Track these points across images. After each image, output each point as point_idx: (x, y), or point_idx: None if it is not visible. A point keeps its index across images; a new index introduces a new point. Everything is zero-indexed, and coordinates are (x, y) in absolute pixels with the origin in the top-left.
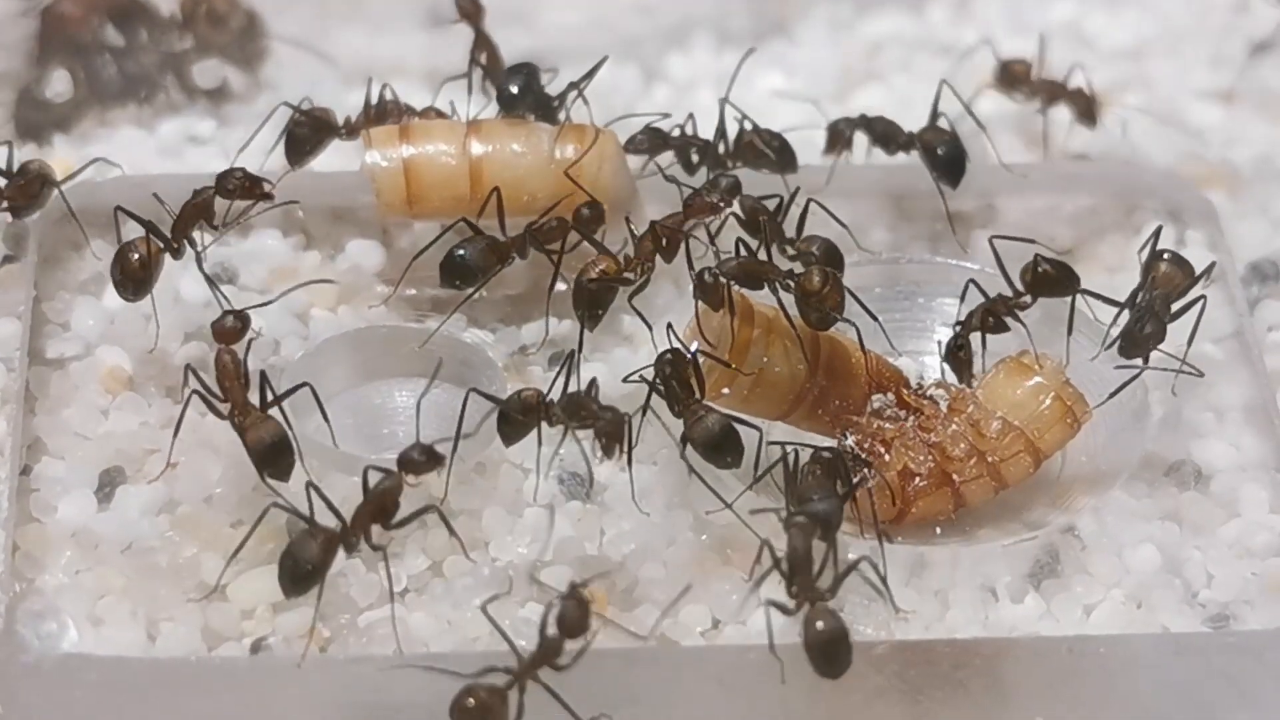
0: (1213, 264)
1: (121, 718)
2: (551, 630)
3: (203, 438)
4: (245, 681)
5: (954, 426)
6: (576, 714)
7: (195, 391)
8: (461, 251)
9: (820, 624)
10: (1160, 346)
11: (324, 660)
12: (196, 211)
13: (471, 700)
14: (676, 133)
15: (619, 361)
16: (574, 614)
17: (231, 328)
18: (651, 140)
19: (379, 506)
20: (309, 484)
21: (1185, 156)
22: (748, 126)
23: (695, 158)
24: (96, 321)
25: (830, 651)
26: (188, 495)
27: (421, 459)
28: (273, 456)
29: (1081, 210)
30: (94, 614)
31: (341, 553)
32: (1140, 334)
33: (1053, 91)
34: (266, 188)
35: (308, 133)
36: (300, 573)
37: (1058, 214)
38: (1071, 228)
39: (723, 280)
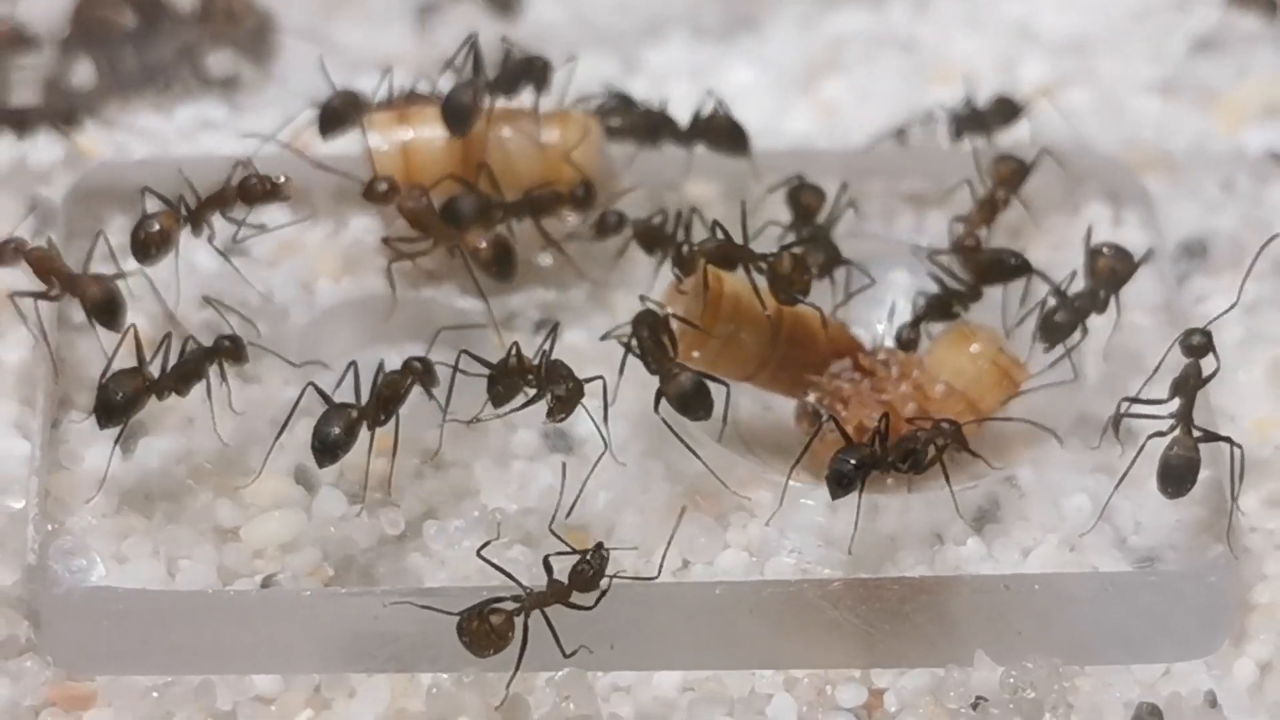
0: (1150, 250)
1: (144, 644)
2: (564, 578)
3: (219, 397)
4: (256, 613)
5: (904, 388)
6: (563, 646)
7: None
8: (458, 199)
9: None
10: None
11: (328, 594)
12: (221, 200)
13: (480, 621)
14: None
15: (599, 326)
16: (590, 573)
17: None
18: (620, 103)
19: None
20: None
21: (1124, 144)
22: (721, 111)
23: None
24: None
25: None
26: (204, 448)
27: None
28: (108, 309)
29: (1027, 192)
30: (119, 553)
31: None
32: (1054, 323)
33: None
34: (283, 190)
35: (342, 108)
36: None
37: None
38: (1017, 209)
39: (698, 255)
